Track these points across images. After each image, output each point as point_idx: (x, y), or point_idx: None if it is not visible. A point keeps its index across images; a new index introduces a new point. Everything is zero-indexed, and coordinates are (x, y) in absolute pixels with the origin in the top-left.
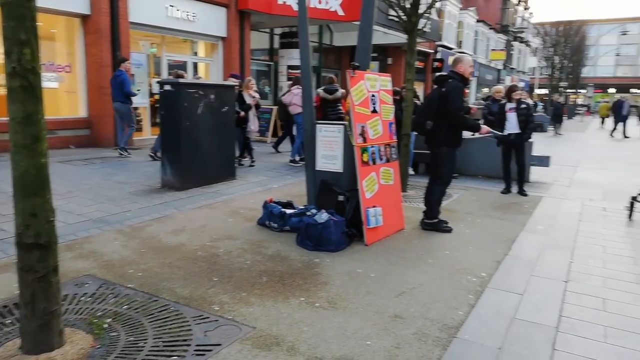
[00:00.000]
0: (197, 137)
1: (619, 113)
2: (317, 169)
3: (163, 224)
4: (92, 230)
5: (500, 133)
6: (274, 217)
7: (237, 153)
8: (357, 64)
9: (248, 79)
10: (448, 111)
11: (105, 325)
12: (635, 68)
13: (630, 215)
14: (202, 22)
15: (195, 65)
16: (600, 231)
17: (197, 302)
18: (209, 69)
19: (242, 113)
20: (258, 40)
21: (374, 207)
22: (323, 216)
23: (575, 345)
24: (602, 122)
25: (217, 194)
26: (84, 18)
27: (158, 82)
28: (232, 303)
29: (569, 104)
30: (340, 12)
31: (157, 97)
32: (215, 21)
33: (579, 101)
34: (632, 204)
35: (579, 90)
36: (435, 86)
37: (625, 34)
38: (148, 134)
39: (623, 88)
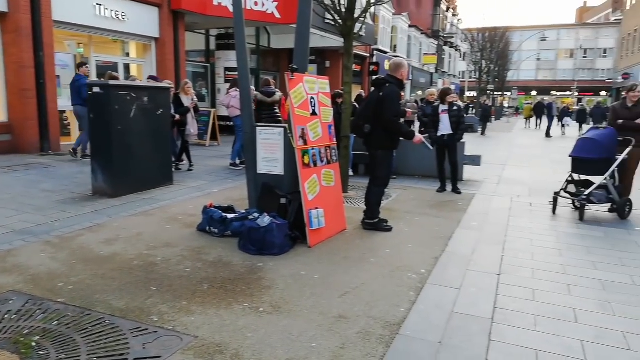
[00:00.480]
0: (130, 141)
1: (549, 114)
2: (258, 172)
3: (95, 234)
4: (16, 243)
5: (430, 146)
6: (215, 222)
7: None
8: (295, 66)
9: (185, 82)
10: (383, 117)
11: (33, 344)
12: (554, 72)
13: (554, 210)
14: (133, 22)
15: (127, 67)
16: (527, 225)
17: (134, 313)
18: (141, 71)
19: (178, 116)
20: (194, 41)
21: (316, 208)
22: (265, 220)
23: (509, 335)
24: (527, 123)
25: (154, 200)
26: (1, 16)
27: (87, 84)
28: (172, 313)
29: (497, 106)
30: (277, 15)
31: None
32: (147, 21)
33: (505, 103)
34: (555, 199)
35: (505, 93)
36: (372, 89)
37: (544, 40)
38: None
39: (544, 91)
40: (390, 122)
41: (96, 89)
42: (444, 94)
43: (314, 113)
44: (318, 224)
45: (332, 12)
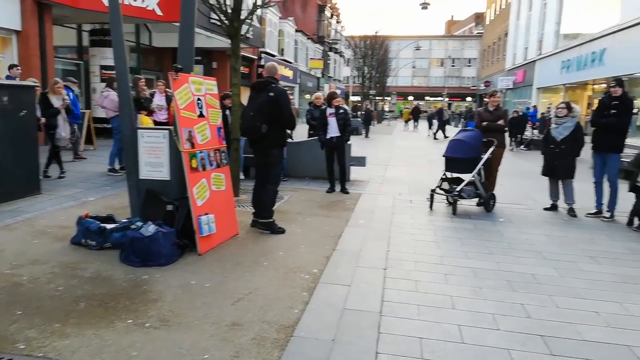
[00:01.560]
0: None
1: (440, 119)
2: (141, 177)
3: None
4: None
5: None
6: (91, 233)
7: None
8: (180, 66)
9: (54, 80)
10: (283, 114)
11: None
12: (428, 79)
13: (431, 206)
14: None
15: None
16: (409, 221)
17: None
18: (0, 67)
19: (43, 119)
20: (64, 36)
21: (206, 214)
22: (150, 228)
23: (396, 326)
24: (406, 125)
25: (17, 212)
26: None
27: None
28: (43, 338)
29: (378, 110)
30: (159, 12)
31: None
32: (6, 12)
33: (386, 107)
34: (432, 196)
35: (385, 98)
36: (253, 91)
37: (418, 49)
38: None
39: (419, 96)
40: (292, 119)
41: None
42: (330, 97)
43: (201, 115)
44: (208, 230)
45: (218, 12)
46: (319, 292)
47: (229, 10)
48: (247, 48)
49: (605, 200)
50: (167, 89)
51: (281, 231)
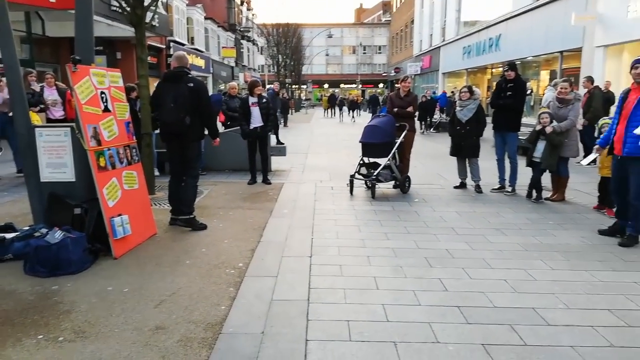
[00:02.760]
0: None
1: (375, 105)
2: (42, 180)
3: None
4: None
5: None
6: None
7: None
8: (78, 57)
9: None
10: (204, 106)
11: None
12: (341, 66)
13: (351, 191)
14: None
15: None
16: (331, 207)
17: None
18: None
19: None
20: None
21: (119, 215)
22: (57, 235)
23: (324, 312)
24: (325, 112)
25: None
26: None
27: None
28: None
29: (295, 98)
30: None
31: None
32: None
33: (302, 96)
34: (351, 182)
35: (301, 86)
36: (166, 82)
37: (331, 37)
38: None
39: (334, 84)
40: (212, 111)
41: None
42: (252, 86)
43: (106, 109)
44: (123, 232)
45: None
46: (245, 286)
47: None
48: (154, 37)
49: (507, 175)
50: (59, 82)
51: (203, 227)
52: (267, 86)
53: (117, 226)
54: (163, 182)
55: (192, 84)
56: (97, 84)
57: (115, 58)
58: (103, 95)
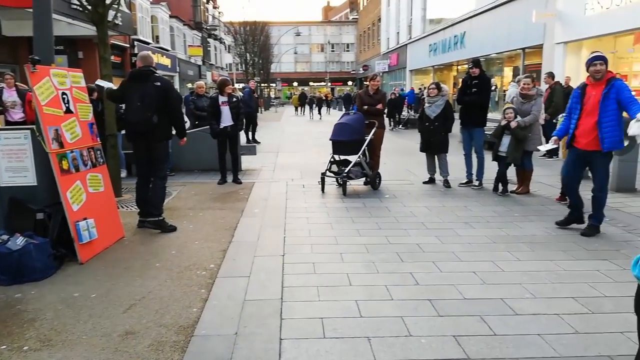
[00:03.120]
0: None
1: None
2: (2, 185)
3: None
4: None
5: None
6: None
7: None
8: (37, 57)
9: None
10: (172, 105)
11: None
12: (310, 64)
13: (322, 189)
14: None
15: None
16: (303, 205)
17: None
18: None
19: None
20: None
21: (84, 219)
22: (19, 241)
23: (298, 310)
24: (296, 111)
25: None
26: None
27: None
28: None
29: (265, 97)
30: None
31: None
32: None
33: (272, 94)
34: (322, 179)
35: (270, 84)
36: (132, 81)
37: (299, 35)
38: None
39: (303, 82)
40: (181, 110)
41: None
42: (222, 85)
43: (68, 111)
44: (89, 236)
45: None
46: (217, 287)
47: None
48: (117, 36)
49: (475, 170)
50: (19, 83)
51: (172, 229)
52: (241, 85)
53: (82, 230)
54: (130, 183)
55: (159, 83)
56: (58, 84)
57: (76, 58)
58: (64, 96)
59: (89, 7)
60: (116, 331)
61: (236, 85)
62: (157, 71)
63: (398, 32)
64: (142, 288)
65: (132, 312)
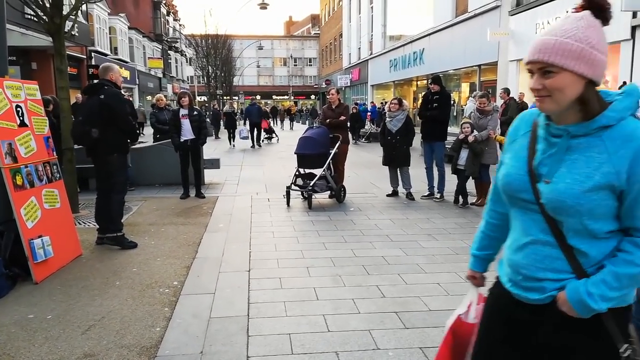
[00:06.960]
0: None
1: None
2: None
3: None
4: None
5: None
6: None
7: None
8: None
9: None
10: (117, 118)
11: None
12: (273, 78)
13: (287, 202)
14: None
15: None
16: (268, 219)
17: None
18: None
19: None
20: None
21: (39, 237)
22: None
23: (265, 326)
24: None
25: None
26: None
27: None
28: None
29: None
30: None
31: None
32: None
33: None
34: (287, 193)
35: (233, 97)
36: (84, 95)
37: (261, 49)
38: None
39: (266, 95)
40: (127, 121)
41: None
42: (179, 97)
43: (23, 124)
44: (44, 254)
45: (34, 7)
46: (181, 305)
47: (48, 5)
48: (74, 47)
49: (436, 182)
50: None
51: (132, 245)
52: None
53: (37, 248)
54: (87, 199)
55: (102, 96)
56: (12, 96)
57: (30, 69)
58: (19, 108)
59: (45, 18)
60: (74, 354)
61: (197, 99)
62: (116, 83)
63: (359, 48)
64: (102, 308)
65: (91, 333)
